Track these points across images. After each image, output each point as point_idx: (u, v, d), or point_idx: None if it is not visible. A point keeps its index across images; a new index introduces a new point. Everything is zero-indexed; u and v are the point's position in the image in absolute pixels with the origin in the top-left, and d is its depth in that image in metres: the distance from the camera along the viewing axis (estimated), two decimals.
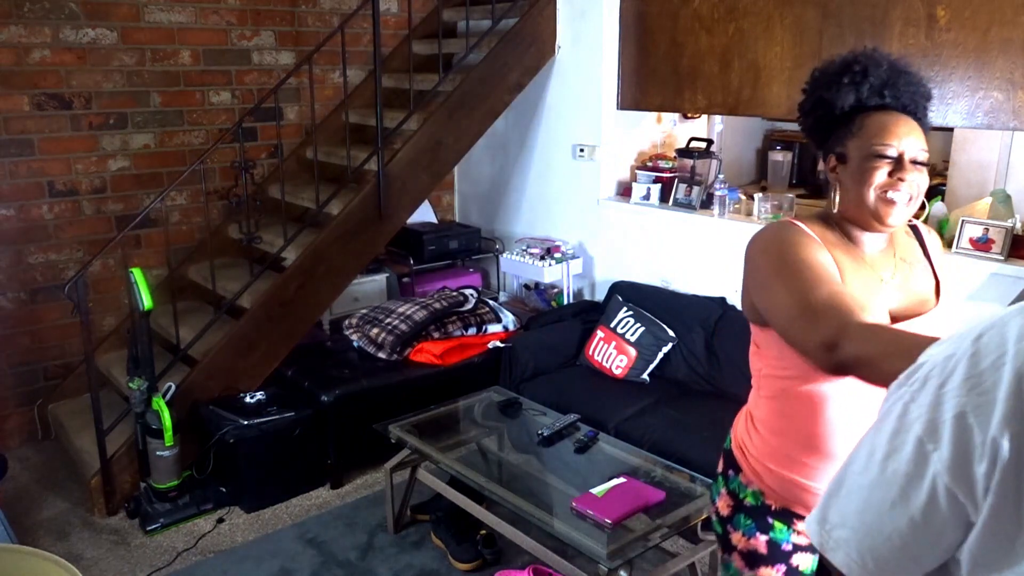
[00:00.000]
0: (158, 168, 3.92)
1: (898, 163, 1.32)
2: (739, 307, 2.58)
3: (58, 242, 3.71)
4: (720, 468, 1.59)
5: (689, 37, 3.72)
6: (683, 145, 4.14)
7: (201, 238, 4.03)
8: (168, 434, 3.06)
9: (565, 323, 3.87)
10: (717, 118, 4.74)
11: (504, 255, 4.40)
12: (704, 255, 3.72)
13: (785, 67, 3.40)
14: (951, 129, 3.76)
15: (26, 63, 3.51)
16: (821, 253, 1.34)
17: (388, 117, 3.71)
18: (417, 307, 3.83)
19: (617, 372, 3.55)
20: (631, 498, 2.43)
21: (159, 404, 3.07)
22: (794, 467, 1.44)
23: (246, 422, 3.16)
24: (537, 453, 2.95)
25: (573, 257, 4.25)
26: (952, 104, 2.96)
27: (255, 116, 3.89)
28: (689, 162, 3.96)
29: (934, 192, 3.93)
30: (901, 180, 1.32)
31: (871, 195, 1.33)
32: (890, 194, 1.33)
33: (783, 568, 1.48)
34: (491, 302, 4.13)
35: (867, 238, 1.42)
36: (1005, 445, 0.66)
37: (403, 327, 3.70)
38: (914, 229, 1.53)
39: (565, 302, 4.23)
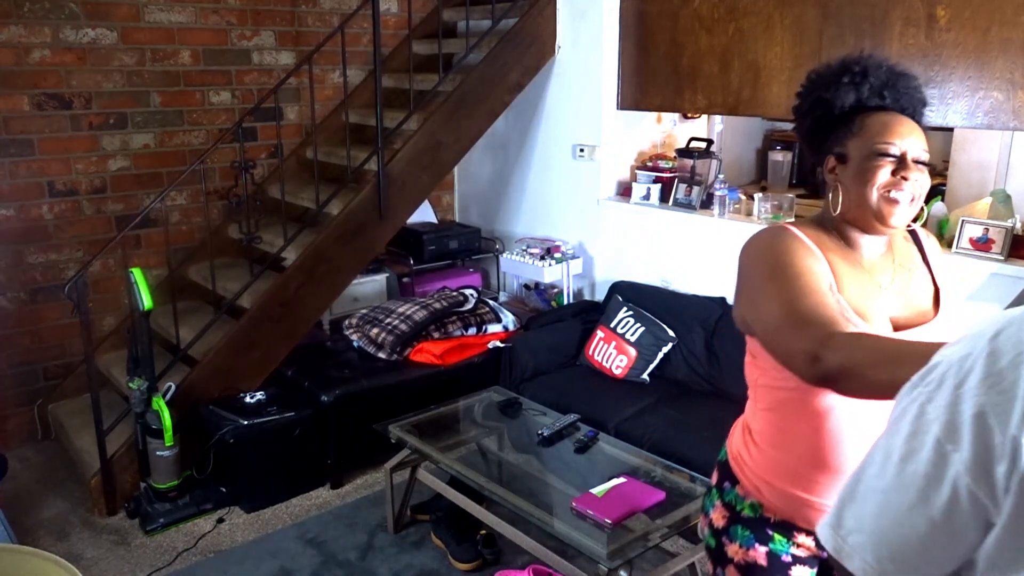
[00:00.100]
0: (158, 168, 3.92)
1: (901, 162, 1.31)
2: None
3: (58, 242, 3.71)
4: (715, 480, 1.55)
5: (689, 37, 3.72)
6: (683, 145, 4.14)
7: (201, 238, 4.03)
8: (168, 434, 3.06)
9: (565, 323, 3.87)
10: (717, 118, 4.74)
11: (504, 255, 4.40)
12: (704, 255, 3.72)
13: (785, 67, 3.40)
14: (951, 129, 3.77)
15: (26, 63, 3.51)
16: (814, 260, 1.31)
17: (388, 117, 3.71)
18: (417, 307, 3.83)
19: (617, 372, 3.55)
20: (631, 498, 2.43)
21: (159, 404, 3.07)
22: (800, 483, 1.39)
23: (246, 422, 3.16)
24: (537, 453, 2.95)
25: (573, 257, 4.25)
26: (952, 104, 2.96)
27: (255, 116, 3.89)
28: (689, 162, 3.96)
29: (934, 192, 3.93)
30: (904, 179, 1.30)
31: (874, 194, 1.31)
32: (893, 193, 1.31)
33: None
34: (491, 302, 4.13)
35: (865, 242, 1.39)
36: None
37: (403, 327, 3.70)
38: (913, 235, 1.50)
39: (565, 302, 4.23)
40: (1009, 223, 2.90)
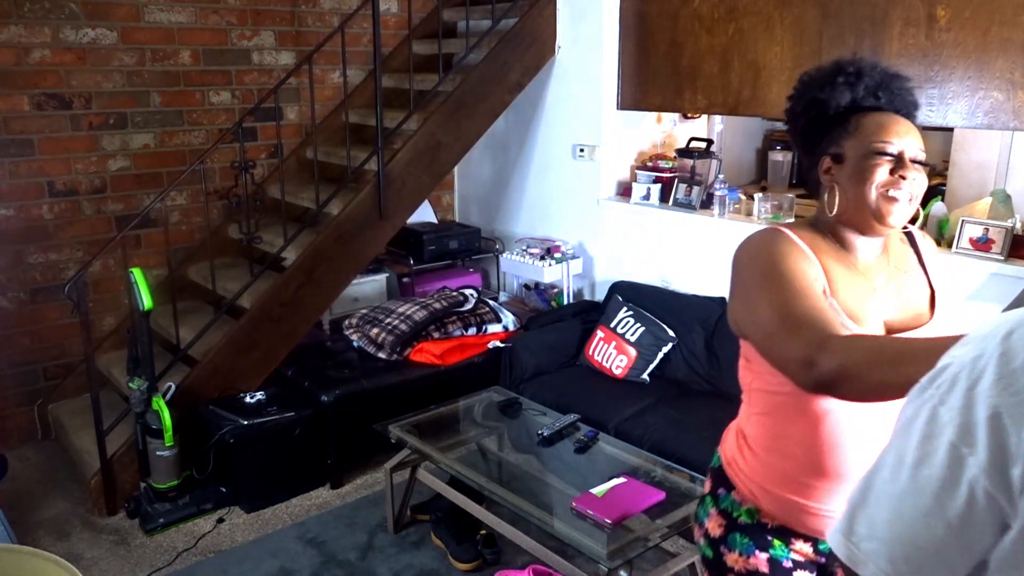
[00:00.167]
0: (158, 168, 3.92)
1: (899, 161, 1.30)
2: None
3: (58, 242, 3.71)
4: (707, 488, 1.52)
5: (689, 37, 3.72)
6: (683, 145, 4.14)
7: (201, 238, 4.03)
8: (168, 434, 3.06)
9: (565, 323, 3.87)
10: (717, 118, 4.74)
11: (504, 255, 4.40)
12: (704, 255, 3.72)
13: (785, 67, 3.40)
14: (951, 129, 3.77)
15: (26, 63, 3.51)
16: (807, 264, 1.30)
17: (388, 117, 3.71)
18: (417, 307, 3.83)
19: (617, 372, 3.55)
20: (631, 498, 2.43)
21: (159, 404, 3.07)
22: (799, 489, 1.37)
23: (246, 422, 3.16)
24: (537, 453, 2.95)
25: (573, 257, 4.25)
26: (952, 104, 2.96)
27: (255, 116, 3.89)
28: (689, 162, 3.96)
29: (934, 192, 3.93)
30: (903, 178, 1.29)
31: (872, 193, 1.30)
32: (892, 192, 1.29)
33: None
34: (491, 302, 4.13)
35: (861, 244, 1.37)
36: None
37: (403, 327, 3.70)
38: (909, 236, 1.48)
39: (565, 302, 4.23)
40: (1009, 223, 2.90)
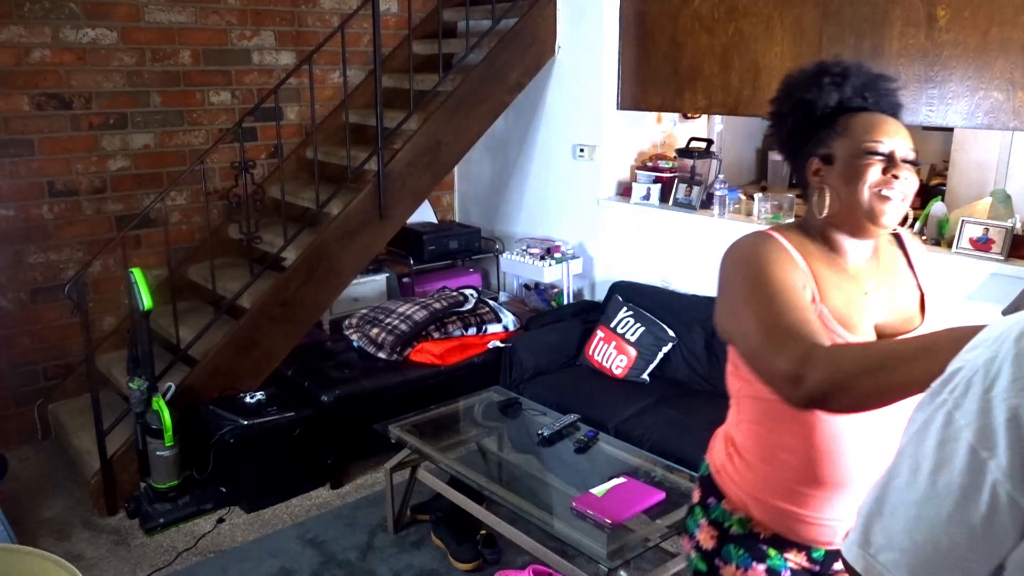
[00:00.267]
0: (158, 168, 3.92)
1: (890, 160, 1.28)
2: None
3: (58, 242, 3.71)
4: (696, 498, 1.48)
5: (689, 37, 3.72)
6: (683, 145, 4.14)
7: (201, 238, 4.03)
8: (168, 434, 3.06)
9: (565, 323, 3.87)
10: (717, 118, 4.74)
11: (504, 255, 4.40)
12: (704, 255, 3.72)
13: (785, 67, 3.37)
14: (951, 129, 3.77)
15: (26, 63, 3.51)
16: (796, 272, 1.26)
17: (388, 117, 3.71)
18: (417, 307, 3.83)
19: (617, 372, 3.55)
20: (631, 498, 2.43)
21: (159, 404, 3.07)
22: (791, 498, 1.34)
23: (246, 422, 3.16)
24: (537, 453, 2.95)
25: (573, 257, 4.25)
26: (952, 104, 2.96)
27: (255, 116, 3.88)
28: (689, 162, 3.97)
29: (934, 192, 3.93)
30: (895, 177, 1.27)
31: (865, 193, 1.27)
32: (885, 191, 1.27)
33: None
34: (491, 302, 4.13)
35: (851, 246, 1.34)
36: None
37: (403, 327, 3.70)
38: (897, 238, 1.46)
39: (565, 302, 4.23)
40: (1009, 223, 2.90)
